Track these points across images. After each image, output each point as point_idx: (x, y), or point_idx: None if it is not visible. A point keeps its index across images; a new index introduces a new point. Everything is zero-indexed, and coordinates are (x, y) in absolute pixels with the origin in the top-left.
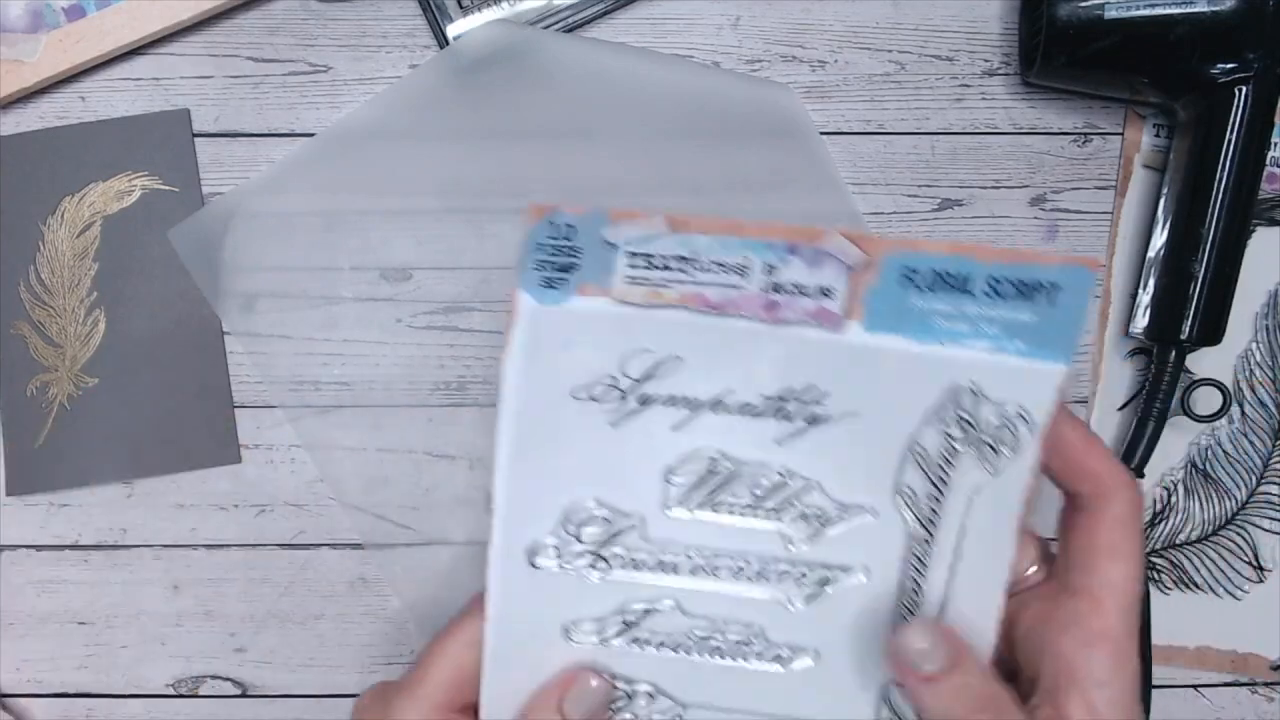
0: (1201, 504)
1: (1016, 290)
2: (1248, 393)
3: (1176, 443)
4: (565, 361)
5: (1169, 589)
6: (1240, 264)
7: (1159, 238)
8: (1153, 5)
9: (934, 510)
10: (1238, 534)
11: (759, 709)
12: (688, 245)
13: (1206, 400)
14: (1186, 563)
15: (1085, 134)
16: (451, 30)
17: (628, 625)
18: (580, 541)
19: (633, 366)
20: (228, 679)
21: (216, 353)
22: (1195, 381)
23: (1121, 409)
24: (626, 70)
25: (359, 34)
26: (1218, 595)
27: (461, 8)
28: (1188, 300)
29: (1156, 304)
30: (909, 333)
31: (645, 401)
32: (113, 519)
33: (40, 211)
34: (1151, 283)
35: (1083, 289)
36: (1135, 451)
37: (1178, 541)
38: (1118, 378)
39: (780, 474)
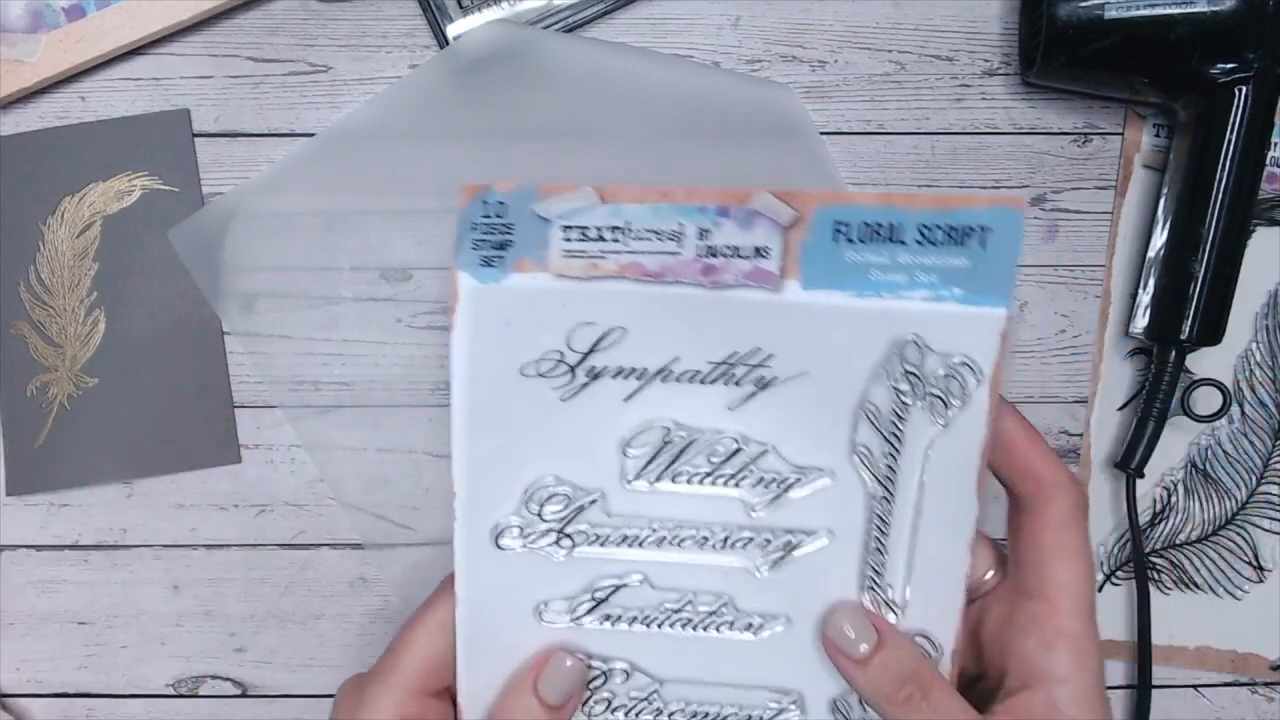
0: (1201, 504)
1: (948, 236)
2: (1248, 393)
3: (1176, 443)
4: (510, 339)
5: (1169, 589)
6: (1240, 264)
7: (1159, 238)
8: (1153, 5)
9: (890, 468)
10: (1238, 534)
11: (735, 679)
12: (620, 215)
13: (1206, 400)
14: (1186, 563)
15: (1085, 134)
16: (451, 30)
17: (598, 602)
18: (543, 520)
19: (578, 340)
20: (228, 679)
21: (216, 353)
22: (1195, 381)
23: (1121, 409)
24: (626, 70)
25: (359, 34)
26: (1218, 595)
27: (461, 8)
28: (1188, 300)
29: (1156, 304)
30: (847, 287)
31: (594, 375)
32: (113, 519)
33: (40, 211)
34: (1151, 283)
35: (1013, 229)
36: (1135, 451)
37: (1178, 541)
38: (1118, 378)
39: (735, 440)
